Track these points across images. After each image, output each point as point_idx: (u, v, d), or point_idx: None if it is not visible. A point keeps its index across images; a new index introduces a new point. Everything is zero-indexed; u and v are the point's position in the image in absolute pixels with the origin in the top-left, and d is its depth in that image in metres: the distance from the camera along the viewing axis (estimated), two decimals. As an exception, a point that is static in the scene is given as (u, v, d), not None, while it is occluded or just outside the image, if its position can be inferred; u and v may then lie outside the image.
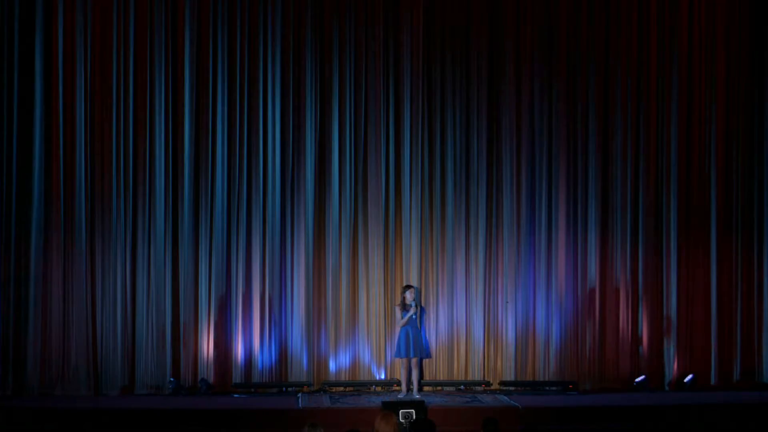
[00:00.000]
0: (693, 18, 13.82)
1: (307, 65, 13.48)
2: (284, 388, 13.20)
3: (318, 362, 13.42)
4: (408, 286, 12.80)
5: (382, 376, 13.46)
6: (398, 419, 9.46)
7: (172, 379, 13.09)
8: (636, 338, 13.64)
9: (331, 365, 13.45)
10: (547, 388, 13.41)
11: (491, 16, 13.68)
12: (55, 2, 13.15)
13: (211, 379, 13.20)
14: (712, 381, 13.59)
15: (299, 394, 12.99)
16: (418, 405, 11.13)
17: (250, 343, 13.32)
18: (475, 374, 13.55)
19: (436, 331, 13.45)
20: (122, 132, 13.21)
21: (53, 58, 13.15)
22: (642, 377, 13.50)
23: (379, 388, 13.34)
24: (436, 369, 13.53)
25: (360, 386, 13.33)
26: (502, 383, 13.50)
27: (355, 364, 13.48)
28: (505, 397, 12.86)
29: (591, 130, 13.69)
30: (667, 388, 13.56)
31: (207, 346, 13.22)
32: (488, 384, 13.47)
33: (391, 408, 10.72)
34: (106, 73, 13.22)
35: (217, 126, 13.35)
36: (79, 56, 13.14)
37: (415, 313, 12.60)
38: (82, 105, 13.15)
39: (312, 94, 13.49)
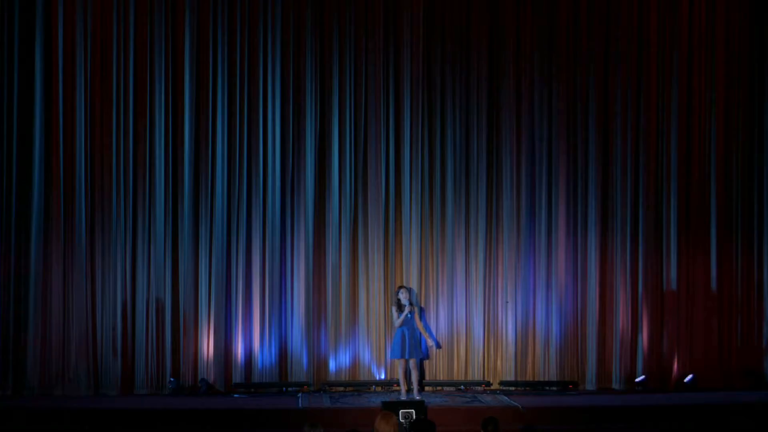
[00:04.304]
0: (693, 18, 13.82)
1: (307, 65, 13.48)
2: (284, 388, 13.21)
3: (318, 362, 13.42)
4: (401, 287, 12.84)
5: (382, 376, 13.46)
6: (398, 419, 9.45)
7: (172, 379, 13.09)
8: (636, 338, 13.63)
9: (331, 365, 13.45)
10: (547, 388, 13.41)
11: (491, 16, 13.68)
12: (55, 2, 13.15)
13: (211, 379, 13.20)
14: (712, 381, 13.58)
15: (299, 394, 12.99)
16: (418, 405, 11.12)
17: (250, 343, 13.32)
18: (475, 374, 13.55)
19: (436, 331, 13.45)
20: (122, 132, 13.21)
21: (53, 58, 13.16)
22: (642, 377, 13.51)
23: (379, 388, 13.35)
24: (436, 369, 13.54)
25: (360, 386, 13.33)
26: (502, 383, 13.51)
27: (355, 364, 13.48)
28: (505, 397, 12.86)
29: (591, 130, 13.70)
30: (667, 388, 13.55)
31: (207, 346, 13.22)
32: (488, 384, 13.48)
33: (391, 408, 10.72)
34: (106, 73, 13.22)
35: (217, 126, 13.35)
36: (79, 56, 13.14)
37: (410, 313, 12.63)
38: (82, 105, 13.15)
39: (312, 94, 13.50)
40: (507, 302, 13.60)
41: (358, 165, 13.57)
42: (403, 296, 12.71)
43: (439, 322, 13.52)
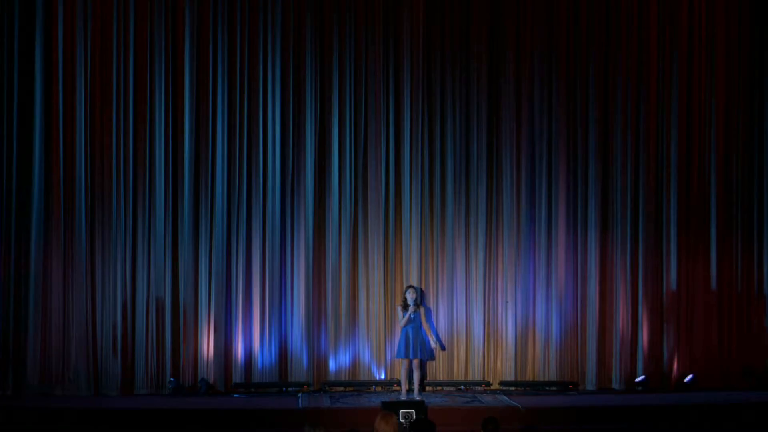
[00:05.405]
0: (693, 18, 13.83)
1: (307, 65, 13.48)
2: (284, 388, 13.21)
3: (318, 362, 13.42)
4: (409, 287, 12.83)
5: (382, 376, 13.47)
6: (398, 419, 9.45)
7: (172, 379, 13.09)
8: (636, 338, 13.63)
9: (331, 365, 13.45)
10: (547, 388, 13.41)
11: (491, 16, 13.69)
12: (55, 3, 13.15)
13: (211, 379, 13.20)
14: (712, 381, 13.57)
15: (299, 394, 12.99)
16: (418, 405, 11.13)
17: (250, 343, 13.32)
18: (475, 374, 13.55)
19: (436, 330, 13.44)
20: (122, 132, 13.21)
21: (53, 58, 13.16)
22: (642, 377, 13.51)
23: (379, 388, 13.34)
24: (436, 369, 13.53)
25: (360, 386, 13.33)
26: (502, 383, 13.51)
27: (355, 364, 13.48)
28: (505, 397, 12.86)
29: (591, 130, 13.70)
30: (667, 388, 13.55)
31: (207, 346, 13.22)
32: (488, 384, 13.48)
33: (391, 408, 10.72)
34: (106, 74, 13.22)
35: (217, 126, 13.35)
36: (79, 56, 13.14)
37: (414, 313, 12.62)
38: (82, 105, 13.15)
39: (312, 94, 13.50)
40: (507, 302, 13.60)
41: (358, 165, 13.57)
42: (409, 296, 12.70)
43: (439, 322, 13.52)
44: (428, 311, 13.19)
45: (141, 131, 13.24)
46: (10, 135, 13.07)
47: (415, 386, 12.69)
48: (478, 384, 13.45)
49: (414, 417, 10.62)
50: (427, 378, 13.38)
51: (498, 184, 13.68)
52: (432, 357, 12.96)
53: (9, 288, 13.00)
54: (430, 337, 12.82)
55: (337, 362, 13.46)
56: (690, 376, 13.48)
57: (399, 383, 12.91)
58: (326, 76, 13.52)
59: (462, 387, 13.43)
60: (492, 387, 13.47)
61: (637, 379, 13.51)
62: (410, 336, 12.63)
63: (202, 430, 11.84)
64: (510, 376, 13.55)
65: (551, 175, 13.67)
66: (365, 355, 13.48)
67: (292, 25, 13.48)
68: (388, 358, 13.44)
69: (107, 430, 11.77)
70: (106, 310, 13.13)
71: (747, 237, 13.81)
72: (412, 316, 12.63)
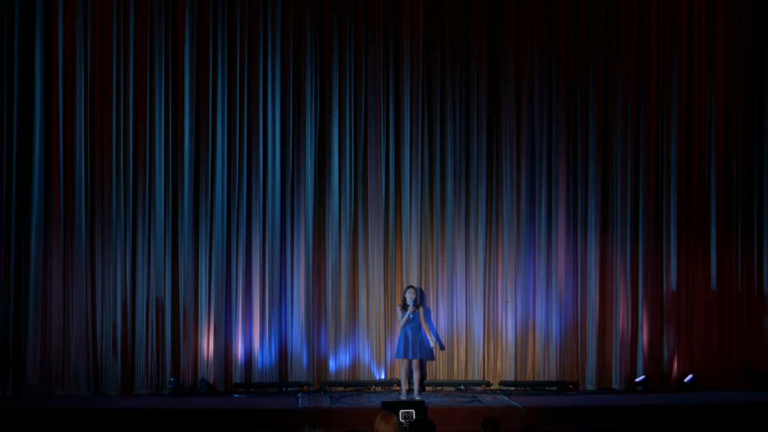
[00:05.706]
0: (693, 18, 13.83)
1: (307, 65, 13.49)
2: (284, 388, 13.21)
3: (318, 362, 13.43)
4: (409, 287, 12.83)
5: (382, 376, 13.47)
6: (398, 419, 9.45)
7: (172, 379, 13.10)
8: (636, 338, 13.64)
9: (331, 365, 13.45)
10: (547, 388, 13.41)
11: (491, 16, 13.69)
12: (55, 3, 13.15)
13: (211, 379, 13.20)
14: (712, 381, 13.57)
15: (299, 394, 12.99)
16: (418, 405, 11.13)
17: (250, 343, 13.33)
18: (475, 374, 13.55)
19: (436, 331, 13.44)
20: (122, 132, 13.21)
21: (53, 58, 13.16)
22: (642, 377, 13.51)
23: (379, 388, 13.35)
24: (436, 369, 13.53)
25: (360, 386, 13.33)
26: (502, 383, 13.51)
27: (355, 364, 13.49)
28: (505, 397, 12.86)
29: (591, 130, 13.70)
30: (667, 388, 13.55)
31: (207, 346, 13.22)
32: (488, 384, 13.48)
33: (391, 408, 10.73)
34: (106, 74, 13.22)
35: (217, 126, 13.35)
36: (79, 56, 13.14)
37: (413, 314, 12.63)
38: (82, 105, 13.15)
39: (312, 94, 13.50)
40: (507, 302, 13.60)
41: (358, 165, 13.57)
42: (409, 296, 12.70)
43: (439, 322, 13.52)
44: (427, 311, 13.19)
45: (141, 131, 13.25)
46: (10, 135, 13.07)
47: (415, 386, 12.69)
48: (478, 384, 13.45)
49: (414, 417, 10.63)
50: (427, 378, 13.39)
51: (498, 184, 13.68)
52: (431, 357, 12.96)
53: (9, 288, 13.00)
54: (429, 338, 12.82)
55: (337, 362, 13.46)
56: (690, 376, 13.48)
57: (399, 383, 12.92)
58: (326, 76, 13.52)
59: (462, 387, 13.43)
60: (492, 387, 13.48)
61: (637, 379, 13.51)
62: (409, 336, 12.63)
63: (202, 430, 11.84)
64: (510, 376, 13.55)
65: (551, 175, 13.67)
66: (365, 355, 13.49)
67: (292, 25, 13.48)
68: (388, 358, 13.44)
69: (107, 430, 11.77)
70: (106, 310, 13.13)
71: (747, 237, 13.81)
72: (411, 316, 12.64)
